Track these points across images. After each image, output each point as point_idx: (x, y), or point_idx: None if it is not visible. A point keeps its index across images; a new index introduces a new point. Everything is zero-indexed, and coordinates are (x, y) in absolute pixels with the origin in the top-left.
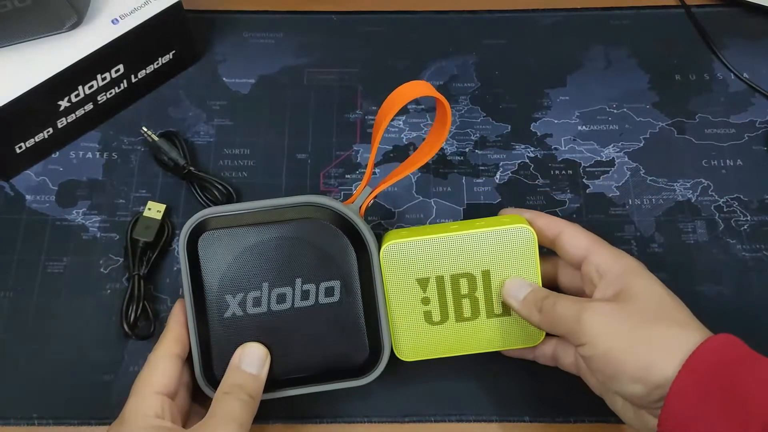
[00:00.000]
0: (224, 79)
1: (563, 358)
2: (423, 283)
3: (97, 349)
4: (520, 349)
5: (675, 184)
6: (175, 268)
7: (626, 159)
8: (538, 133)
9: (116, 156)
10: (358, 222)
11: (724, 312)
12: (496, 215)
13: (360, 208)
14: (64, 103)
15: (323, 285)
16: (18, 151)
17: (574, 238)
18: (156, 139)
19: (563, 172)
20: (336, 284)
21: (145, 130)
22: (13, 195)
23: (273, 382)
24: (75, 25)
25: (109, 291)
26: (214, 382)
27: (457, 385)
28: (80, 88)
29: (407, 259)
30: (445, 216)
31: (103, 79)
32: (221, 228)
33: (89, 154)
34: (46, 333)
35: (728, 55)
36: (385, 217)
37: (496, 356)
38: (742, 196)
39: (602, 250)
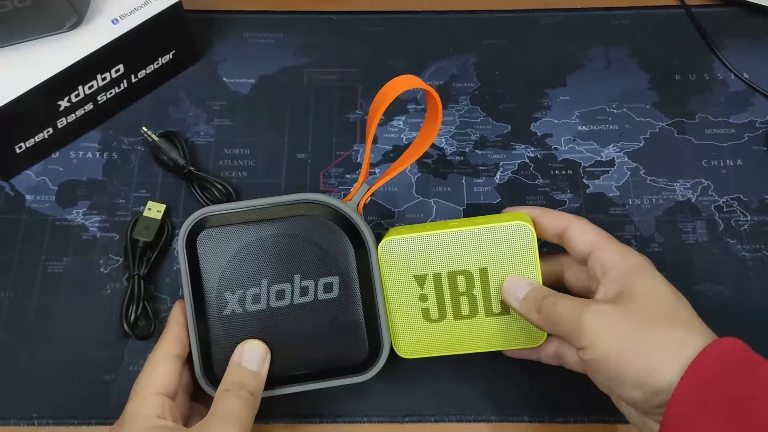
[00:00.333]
0: (224, 79)
1: (567, 357)
2: (420, 279)
3: (97, 349)
4: (523, 351)
5: (675, 184)
6: (175, 268)
7: (626, 159)
8: (538, 133)
9: (116, 156)
10: (356, 219)
11: (724, 312)
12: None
13: (357, 205)
14: (64, 103)
15: (322, 281)
16: (18, 151)
17: (581, 233)
18: (156, 139)
19: (563, 172)
20: (335, 280)
21: (145, 130)
22: (13, 195)
23: (273, 379)
24: (75, 25)
25: (109, 291)
26: (215, 381)
27: (457, 385)
28: (80, 88)
29: (404, 256)
30: (445, 216)
31: (103, 79)
32: (220, 226)
33: (89, 154)
34: (46, 333)
35: (728, 55)
36: (385, 217)
37: (496, 356)
38: (742, 196)
39: (608, 246)
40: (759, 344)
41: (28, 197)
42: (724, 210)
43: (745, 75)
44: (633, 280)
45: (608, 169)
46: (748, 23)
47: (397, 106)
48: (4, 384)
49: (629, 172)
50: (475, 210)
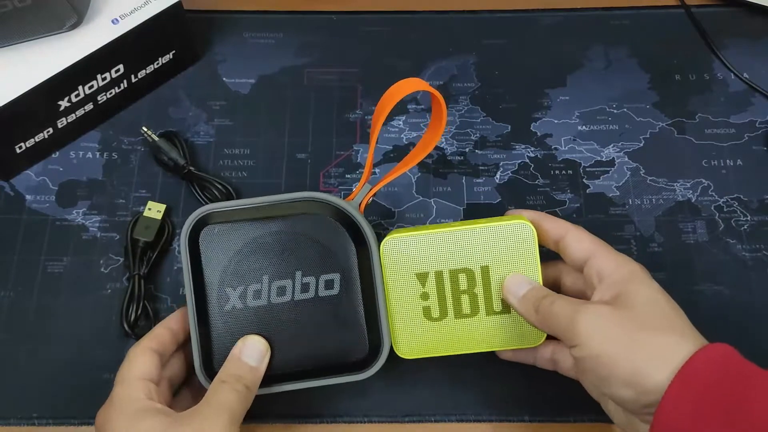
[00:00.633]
0: (224, 79)
1: (562, 362)
2: (422, 278)
3: (97, 348)
4: (520, 354)
5: (675, 184)
6: (175, 268)
7: (626, 159)
8: (538, 133)
9: (116, 156)
10: (358, 218)
11: (724, 312)
12: (498, 215)
13: (360, 204)
14: (64, 103)
15: (323, 278)
16: (18, 151)
17: (578, 241)
18: (156, 139)
19: (563, 172)
20: (336, 277)
21: (145, 130)
22: (13, 195)
23: (272, 376)
24: (75, 25)
25: (109, 291)
26: (213, 376)
27: (457, 385)
28: (80, 88)
29: (406, 254)
30: (445, 216)
31: (103, 79)
32: (222, 223)
33: (89, 154)
34: (46, 333)
35: (728, 55)
36: (385, 217)
37: (496, 356)
38: (742, 196)
39: (605, 254)
40: (759, 344)
41: (28, 197)
42: (724, 210)
43: (745, 75)
44: (630, 286)
45: (608, 169)
46: (748, 23)
47: (398, 106)
48: (4, 384)
49: (629, 172)
50: (475, 210)
